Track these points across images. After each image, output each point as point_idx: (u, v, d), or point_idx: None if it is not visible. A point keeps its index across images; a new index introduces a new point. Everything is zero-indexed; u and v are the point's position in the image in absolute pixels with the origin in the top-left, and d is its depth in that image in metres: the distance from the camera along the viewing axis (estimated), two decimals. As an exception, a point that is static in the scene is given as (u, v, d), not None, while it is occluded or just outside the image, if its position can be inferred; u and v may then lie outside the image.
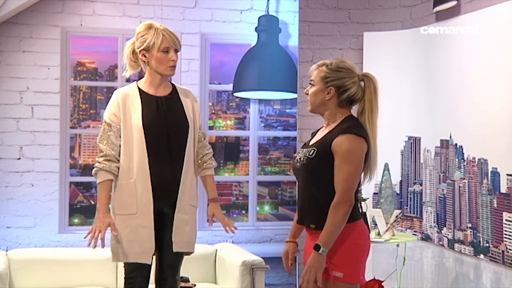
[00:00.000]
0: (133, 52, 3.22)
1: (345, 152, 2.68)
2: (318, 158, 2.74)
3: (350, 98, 2.81)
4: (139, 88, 3.23)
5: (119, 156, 3.17)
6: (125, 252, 3.15)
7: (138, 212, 3.14)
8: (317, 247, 2.63)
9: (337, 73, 2.80)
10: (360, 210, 2.84)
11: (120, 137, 3.17)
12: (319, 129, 2.96)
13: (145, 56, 3.17)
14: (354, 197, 2.70)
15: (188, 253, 3.31)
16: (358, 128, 2.75)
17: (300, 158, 2.82)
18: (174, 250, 3.19)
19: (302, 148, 2.90)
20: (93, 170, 3.17)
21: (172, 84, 3.32)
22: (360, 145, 2.72)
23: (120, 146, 3.17)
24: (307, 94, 2.88)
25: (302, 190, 2.86)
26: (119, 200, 3.18)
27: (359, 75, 2.83)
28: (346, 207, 2.66)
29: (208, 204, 3.40)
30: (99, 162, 3.15)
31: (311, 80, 2.86)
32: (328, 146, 2.72)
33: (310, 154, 2.77)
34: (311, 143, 2.87)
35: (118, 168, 3.17)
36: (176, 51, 3.19)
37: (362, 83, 2.82)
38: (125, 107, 3.18)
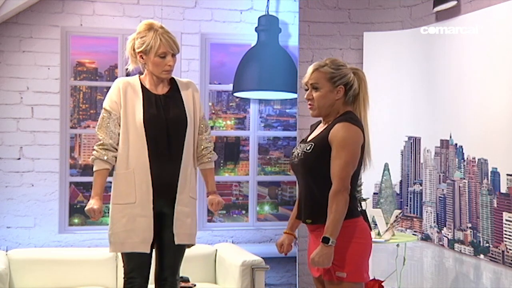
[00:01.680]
0: (134, 47, 3.24)
1: (342, 139, 2.68)
2: (316, 152, 2.74)
3: (354, 94, 2.81)
4: (141, 83, 3.25)
5: (118, 144, 3.18)
6: (123, 242, 3.15)
7: (137, 202, 3.15)
8: (325, 240, 2.63)
9: (341, 71, 2.80)
10: (359, 208, 2.84)
11: (120, 125, 3.17)
12: (318, 123, 2.95)
13: (142, 58, 3.20)
14: (350, 184, 2.70)
15: (189, 246, 3.32)
16: (353, 119, 2.76)
17: (298, 154, 2.82)
18: (176, 243, 3.19)
19: (300, 143, 2.90)
20: (91, 158, 3.21)
21: (172, 79, 3.32)
22: (357, 133, 2.72)
23: (119, 134, 3.17)
24: (310, 99, 2.82)
25: (300, 186, 2.88)
26: (116, 189, 3.20)
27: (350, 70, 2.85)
28: (345, 194, 2.66)
29: (207, 196, 3.40)
30: (96, 151, 3.17)
31: (313, 84, 2.80)
32: (326, 138, 2.72)
33: (308, 149, 2.77)
34: (309, 139, 2.87)
35: (116, 158, 3.18)
36: (174, 55, 3.20)
37: (356, 77, 2.84)
38: (126, 96, 3.19)
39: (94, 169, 3.20)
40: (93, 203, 3.15)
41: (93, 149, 3.20)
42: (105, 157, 3.15)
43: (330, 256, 2.63)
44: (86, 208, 3.17)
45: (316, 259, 2.64)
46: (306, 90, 2.85)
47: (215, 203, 3.34)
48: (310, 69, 2.83)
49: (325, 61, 2.82)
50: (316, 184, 2.75)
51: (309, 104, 2.84)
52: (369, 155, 2.84)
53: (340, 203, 2.64)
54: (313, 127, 2.96)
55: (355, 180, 2.77)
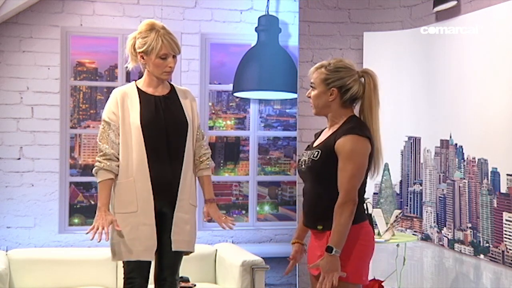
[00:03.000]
0: (134, 46, 3.23)
1: (349, 152, 2.68)
2: (323, 159, 2.75)
3: (353, 97, 2.81)
4: (137, 88, 3.25)
5: (119, 154, 3.18)
6: (126, 250, 3.15)
7: (138, 210, 3.14)
8: (329, 249, 2.63)
9: (337, 74, 2.80)
10: (366, 212, 2.84)
11: (119, 135, 3.17)
12: (322, 130, 2.96)
13: (143, 58, 3.19)
14: (357, 196, 2.70)
15: (188, 253, 3.31)
16: (361, 128, 2.76)
17: (305, 161, 2.82)
18: (173, 249, 3.19)
19: (306, 150, 2.90)
20: (94, 170, 3.19)
21: (171, 85, 3.34)
22: (364, 145, 2.72)
23: (119, 144, 3.17)
24: (309, 97, 2.87)
25: (308, 192, 2.86)
26: (118, 199, 3.19)
27: (359, 72, 2.83)
28: (351, 206, 2.66)
29: (205, 203, 3.40)
30: (99, 162, 3.16)
31: (311, 83, 2.85)
32: (332, 147, 2.73)
33: (315, 156, 2.77)
34: (315, 144, 2.87)
35: (118, 167, 3.17)
36: (175, 56, 3.20)
37: (362, 80, 2.82)
38: (123, 106, 3.19)
39: (98, 180, 3.17)
40: (109, 219, 3.10)
41: (96, 161, 3.17)
42: (109, 167, 3.15)
43: (337, 265, 2.63)
44: (97, 224, 3.10)
45: (322, 263, 2.65)
46: None
47: (221, 220, 3.34)
48: (312, 68, 2.88)
49: (328, 61, 2.84)
50: (325, 190, 2.75)
51: (310, 102, 2.88)
52: (378, 162, 2.84)
53: (344, 215, 2.65)
54: (317, 136, 2.97)
55: (362, 188, 2.78)
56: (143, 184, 3.14)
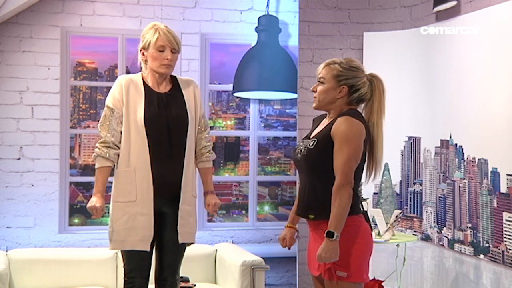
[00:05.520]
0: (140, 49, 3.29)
1: (344, 133, 2.70)
2: (318, 148, 2.76)
3: (360, 97, 2.83)
4: (144, 81, 3.25)
5: (120, 142, 3.18)
6: (122, 239, 3.15)
7: (137, 200, 3.15)
8: (330, 234, 2.63)
9: (350, 72, 2.81)
10: (361, 208, 2.84)
11: (122, 123, 3.18)
12: (321, 118, 2.96)
13: (143, 54, 3.23)
14: (353, 178, 2.70)
15: (189, 244, 3.33)
16: (356, 114, 2.78)
17: (301, 150, 2.84)
18: (180, 241, 3.20)
19: (303, 139, 2.91)
20: (93, 155, 3.20)
21: (174, 78, 3.34)
22: (358, 127, 2.73)
23: (121, 132, 3.18)
24: (315, 91, 2.87)
25: (302, 181, 2.88)
26: (117, 187, 3.20)
27: (367, 75, 2.85)
28: (349, 188, 2.67)
29: (204, 196, 3.40)
30: (98, 148, 3.17)
31: (320, 78, 2.85)
32: (328, 132, 2.74)
33: (311, 144, 2.79)
34: (312, 135, 2.88)
35: (118, 155, 3.18)
36: (174, 51, 3.21)
37: (369, 83, 2.84)
38: (128, 93, 3.19)
39: (96, 167, 3.19)
40: (95, 201, 3.14)
41: (95, 147, 3.19)
42: (107, 155, 3.15)
43: (337, 250, 2.64)
44: (88, 206, 3.15)
45: (322, 254, 2.64)
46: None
47: (212, 204, 3.34)
48: (322, 64, 2.88)
49: (341, 60, 2.86)
50: (319, 180, 2.76)
51: (314, 97, 2.89)
52: (380, 165, 2.86)
53: (343, 197, 2.65)
54: (316, 122, 2.97)
55: (358, 176, 2.78)
56: (143, 175, 3.15)
